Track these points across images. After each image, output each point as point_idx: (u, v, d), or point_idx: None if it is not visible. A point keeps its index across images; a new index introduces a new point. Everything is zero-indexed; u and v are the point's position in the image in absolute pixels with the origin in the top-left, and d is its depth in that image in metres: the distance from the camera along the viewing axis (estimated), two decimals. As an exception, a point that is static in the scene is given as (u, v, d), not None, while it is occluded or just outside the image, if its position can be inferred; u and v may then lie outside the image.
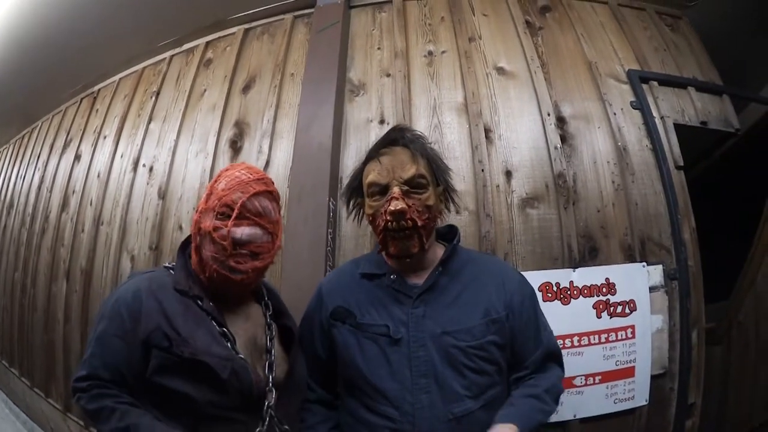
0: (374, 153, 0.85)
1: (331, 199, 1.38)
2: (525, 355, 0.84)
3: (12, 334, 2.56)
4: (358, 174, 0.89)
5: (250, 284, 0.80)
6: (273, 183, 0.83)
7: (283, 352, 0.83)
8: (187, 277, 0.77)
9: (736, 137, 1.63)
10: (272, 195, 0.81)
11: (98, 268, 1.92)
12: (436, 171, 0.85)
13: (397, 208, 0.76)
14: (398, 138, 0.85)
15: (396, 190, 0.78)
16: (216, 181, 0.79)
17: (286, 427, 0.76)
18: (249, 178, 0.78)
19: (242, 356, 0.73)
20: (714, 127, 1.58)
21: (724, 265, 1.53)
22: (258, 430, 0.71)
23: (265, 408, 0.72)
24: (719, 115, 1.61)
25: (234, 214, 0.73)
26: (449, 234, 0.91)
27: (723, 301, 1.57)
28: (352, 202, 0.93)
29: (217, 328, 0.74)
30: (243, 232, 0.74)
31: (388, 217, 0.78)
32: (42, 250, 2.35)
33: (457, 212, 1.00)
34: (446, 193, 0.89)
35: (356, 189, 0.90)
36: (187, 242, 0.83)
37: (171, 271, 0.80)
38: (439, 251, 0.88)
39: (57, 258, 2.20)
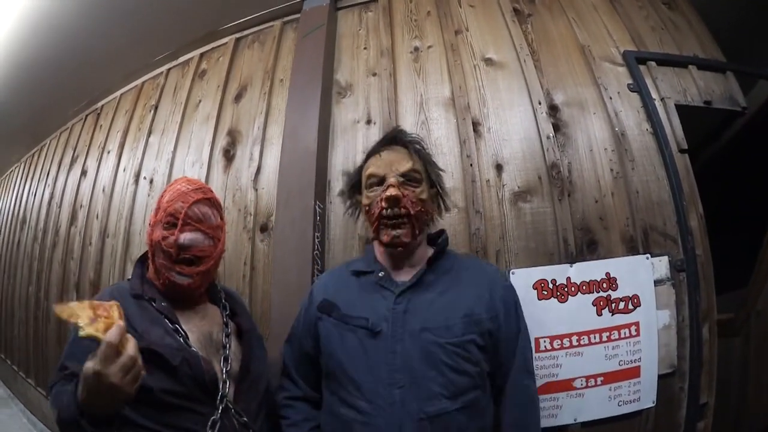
0: (375, 149, 0.93)
1: (318, 203, 1.38)
2: (506, 362, 0.85)
3: (28, 345, 2.67)
4: (359, 170, 0.95)
5: (199, 287, 0.87)
6: (212, 191, 0.91)
7: (240, 348, 0.89)
8: (142, 283, 0.86)
9: (745, 116, 1.54)
10: (211, 202, 0.88)
11: (105, 279, 1.98)
12: (431, 172, 0.91)
13: (393, 194, 0.82)
14: (398, 137, 0.92)
15: (392, 180, 0.84)
16: (162, 196, 0.87)
17: (245, 418, 0.80)
18: (188, 188, 0.86)
19: (195, 349, 0.79)
20: (719, 107, 1.49)
21: (738, 251, 1.44)
22: (213, 418, 0.75)
23: (219, 397, 0.77)
24: (724, 93, 1.53)
25: (180, 223, 0.81)
26: (439, 238, 0.94)
27: (740, 289, 1.49)
28: (350, 200, 0.98)
29: (170, 325, 0.81)
30: (185, 237, 0.82)
31: (384, 204, 0.84)
32: (54, 263, 2.45)
33: (447, 209, 0.99)
34: (439, 197, 0.94)
35: (356, 185, 0.95)
36: (145, 255, 0.91)
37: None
38: (428, 253, 0.91)
39: (67, 270, 2.28)
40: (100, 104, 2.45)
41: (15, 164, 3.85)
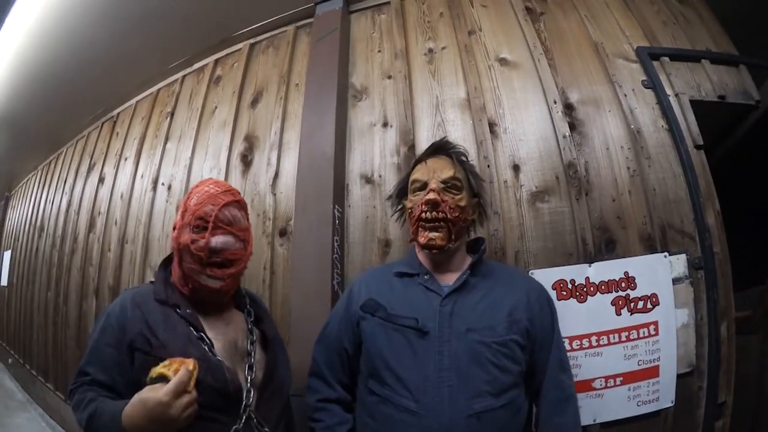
0: (421, 158, 0.97)
1: (336, 206, 1.40)
2: (542, 361, 0.88)
3: (47, 350, 2.72)
4: (407, 177, 1.00)
5: (229, 291, 0.86)
6: (239, 193, 0.89)
7: (265, 356, 0.87)
8: (166, 288, 0.84)
9: (759, 110, 1.54)
10: (240, 204, 0.87)
11: (125, 285, 2.02)
12: (472, 182, 0.95)
13: (432, 198, 0.87)
14: (443, 147, 0.97)
15: (434, 185, 0.89)
16: (188, 199, 0.85)
17: (266, 429, 0.79)
18: (217, 191, 0.84)
19: (219, 358, 0.78)
20: (733, 101, 1.49)
21: (755, 248, 1.44)
22: (234, 428, 0.74)
23: (242, 407, 0.76)
24: (737, 87, 1.53)
25: (210, 226, 0.80)
26: (476, 245, 0.99)
27: (758, 286, 1.49)
28: (397, 204, 1.04)
29: (195, 333, 0.79)
30: (217, 240, 0.80)
31: (423, 207, 0.88)
32: (72, 269, 2.49)
33: (487, 218, 1.03)
34: (480, 207, 0.98)
35: (402, 191, 1.01)
36: (168, 259, 0.90)
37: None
38: (468, 259, 0.95)
39: (86, 277, 2.32)
40: (115, 112, 2.48)
41: (31, 173, 3.90)
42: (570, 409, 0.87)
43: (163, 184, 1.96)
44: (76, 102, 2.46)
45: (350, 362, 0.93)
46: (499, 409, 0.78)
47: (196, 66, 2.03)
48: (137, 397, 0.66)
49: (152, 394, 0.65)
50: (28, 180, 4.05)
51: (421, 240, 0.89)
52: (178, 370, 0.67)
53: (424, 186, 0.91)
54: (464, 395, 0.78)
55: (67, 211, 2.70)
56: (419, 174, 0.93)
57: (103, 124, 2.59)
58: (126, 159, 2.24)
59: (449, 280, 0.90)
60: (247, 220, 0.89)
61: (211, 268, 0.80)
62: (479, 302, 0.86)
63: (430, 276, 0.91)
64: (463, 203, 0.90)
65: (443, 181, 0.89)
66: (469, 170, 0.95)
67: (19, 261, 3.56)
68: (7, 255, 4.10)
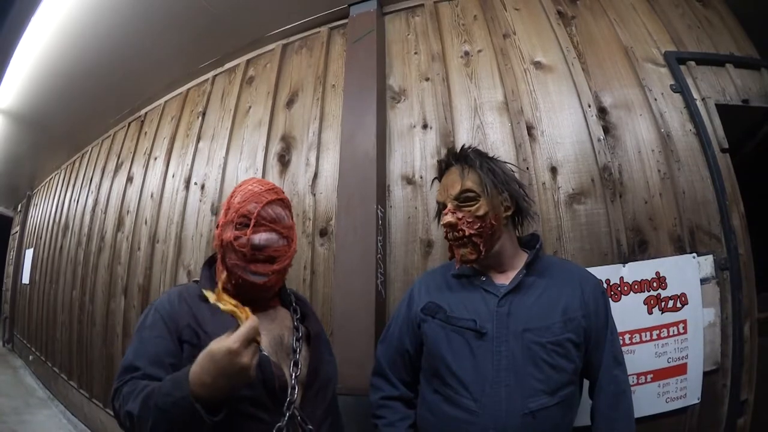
0: (439, 176, 0.99)
1: (379, 207, 1.44)
2: (597, 355, 0.90)
3: (71, 349, 2.73)
4: None
5: (273, 287, 0.86)
6: (283, 192, 0.90)
7: (310, 353, 0.86)
8: (211, 285, 0.83)
9: (782, 113, 1.61)
10: (284, 202, 0.87)
11: (156, 284, 2.04)
12: (496, 181, 0.92)
13: (447, 221, 0.90)
14: (450, 159, 0.97)
15: (449, 206, 0.91)
16: (232, 197, 0.86)
17: (310, 426, 0.77)
18: (261, 189, 0.85)
19: (266, 353, 0.77)
20: (756, 104, 1.55)
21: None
22: (278, 425, 0.72)
23: (287, 403, 0.75)
24: (760, 90, 1.58)
25: (252, 223, 0.80)
26: (532, 241, 0.99)
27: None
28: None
29: None
30: (261, 237, 0.80)
31: (444, 230, 0.92)
32: (99, 268, 2.50)
33: (529, 205, 0.99)
34: (512, 198, 0.95)
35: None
36: (212, 259, 0.91)
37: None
38: (523, 256, 0.96)
39: (114, 276, 2.34)
40: (143, 111, 2.47)
41: (54, 172, 3.86)
42: (624, 402, 0.89)
43: (195, 183, 1.99)
44: (102, 101, 2.44)
45: (412, 361, 0.97)
46: (553, 407, 0.81)
47: (227, 66, 2.04)
48: (203, 353, 0.62)
49: (219, 344, 0.60)
50: (50, 179, 4.02)
51: (456, 257, 0.93)
52: (249, 317, 0.64)
53: (444, 207, 0.93)
54: (520, 394, 0.80)
55: (94, 209, 2.70)
56: (438, 195, 0.96)
57: (130, 123, 2.58)
58: (156, 158, 2.25)
59: (505, 279, 0.92)
60: (291, 218, 0.89)
61: (255, 264, 0.80)
62: (535, 302, 0.88)
63: (486, 277, 0.93)
64: (481, 212, 0.89)
65: (455, 198, 0.90)
66: (487, 170, 0.93)
67: (42, 259, 3.55)
68: (29, 253, 4.10)
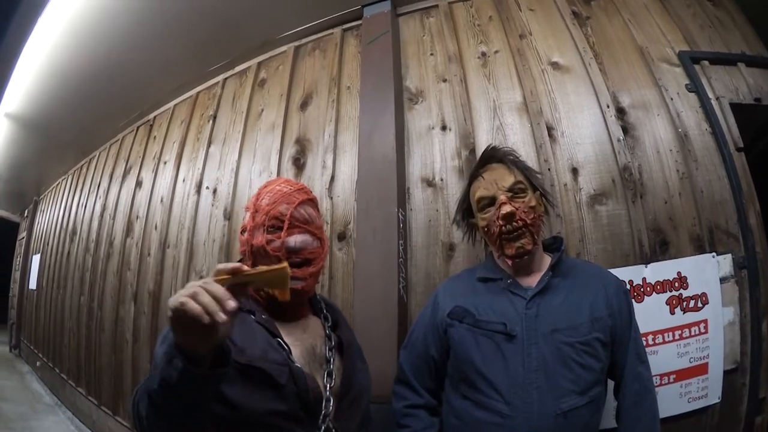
0: (475, 173, 0.99)
1: (400, 210, 1.43)
2: (622, 353, 0.91)
3: (79, 355, 2.69)
4: (465, 196, 1.00)
5: (309, 291, 0.83)
6: (312, 191, 0.87)
7: (342, 363, 0.83)
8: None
9: (795, 111, 1.62)
10: (314, 202, 0.85)
11: (167, 290, 2.01)
12: (531, 178, 0.96)
13: (507, 211, 0.88)
14: (492, 155, 0.98)
15: (503, 197, 0.90)
16: (258, 199, 0.82)
17: None
18: (290, 189, 0.81)
19: (298, 364, 0.74)
20: (768, 103, 1.58)
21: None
22: None
23: (321, 417, 0.71)
24: (773, 89, 1.61)
25: (285, 225, 0.77)
26: (554, 244, 1.01)
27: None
28: (464, 224, 1.03)
29: (272, 339, 0.75)
30: (296, 240, 0.77)
31: (501, 222, 0.89)
32: (108, 274, 2.46)
33: (553, 207, 1.02)
34: (543, 197, 0.98)
35: (467, 210, 1.00)
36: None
37: None
38: (547, 259, 0.97)
39: (124, 281, 2.30)
40: (152, 115, 2.44)
41: (61, 177, 3.80)
42: (648, 401, 0.89)
43: (207, 187, 1.96)
44: (109, 105, 2.41)
45: (437, 368, 0.96)
46: (583, 407, 0.82)
47: (238, 69, 2.01)
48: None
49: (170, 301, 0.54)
50: (57, 184, 3.96)
51: (510, 252, 0.91)
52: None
53: (492, 201, 0.92)
54: (551, 395, 0.81)
55: (102, 215, 2.67)
56: (482, 191, 0.94)
57: (138, 127, 2.55)
58: (165, 162, 2.22)
59: (531, 282, 0.93)
60: (321, 218, 0.86)
61: (291, 268, 0.73)
62: (562, 303, 0.89)
63: (512, 280, 0.93)
64: (533, 203, 0.91)
65: (508, 189, 0.91)
66: (524, 168, 0.96)
67: (49, 265, 3.50)
68: (36, 259, 4.05)
